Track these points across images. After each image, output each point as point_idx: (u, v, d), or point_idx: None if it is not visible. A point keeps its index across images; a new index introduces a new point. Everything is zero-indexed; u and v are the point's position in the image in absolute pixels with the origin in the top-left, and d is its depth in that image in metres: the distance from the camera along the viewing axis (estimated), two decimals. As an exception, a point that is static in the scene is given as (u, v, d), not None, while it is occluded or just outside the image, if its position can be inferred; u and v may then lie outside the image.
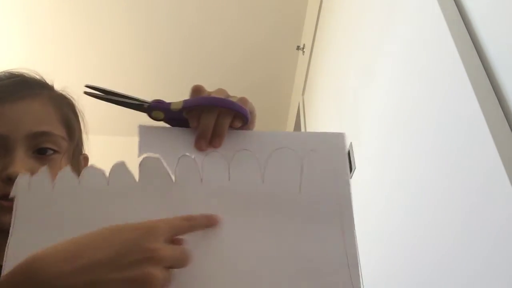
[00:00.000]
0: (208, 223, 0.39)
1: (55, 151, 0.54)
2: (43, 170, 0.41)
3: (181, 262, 0.35)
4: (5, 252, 0.37)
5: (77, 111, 0.64)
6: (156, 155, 0.42)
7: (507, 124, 0.65)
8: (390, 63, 1.09)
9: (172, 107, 0.44)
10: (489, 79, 0.71)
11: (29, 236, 0.38)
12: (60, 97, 0.60)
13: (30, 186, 0.40)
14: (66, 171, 0.42)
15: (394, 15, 1.09)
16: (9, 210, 0.44)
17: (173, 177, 0.41)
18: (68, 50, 2.79)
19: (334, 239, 0.40)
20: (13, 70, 0.58)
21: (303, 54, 2.64)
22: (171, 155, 0.42)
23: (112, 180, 0.41)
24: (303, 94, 2.68)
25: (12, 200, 0.43)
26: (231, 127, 0.44)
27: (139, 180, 0.42)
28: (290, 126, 3.20)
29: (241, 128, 0.45)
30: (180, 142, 0.44)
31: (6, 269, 0.33)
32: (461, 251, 0.71)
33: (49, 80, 0.62)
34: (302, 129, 2.61)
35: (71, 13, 2.56)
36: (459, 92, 0.74)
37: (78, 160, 0.61)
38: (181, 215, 0.38)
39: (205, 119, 0.43)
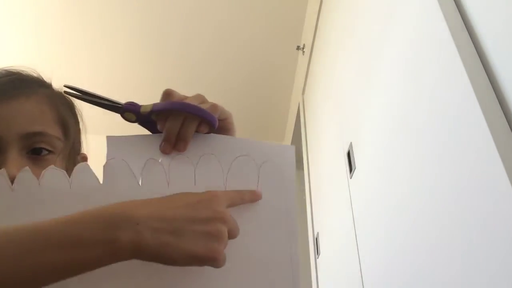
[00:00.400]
0: (254, 198, 0.45)
1: (49, 152, 0.53)
2: (1, 172, 0.41)
3: (235, 232, 0.40)
4: None
5: (76, 110, 0.63)
6: (121, 159, 0.43)
7: (507, 124, 0.65)
8: (390, 63, 1.09)
9: (142, 110, 0.46)
10: (489, 79, 0.71)
11: None
12: (57, 95, 0.59)
13: None
14: (26, 172, 0.41)
15: (394, 15, 1.09)
16: None
17: (139, 181, 0.42)
18: (77, 49, 2.79)
19: (281, 241, 0.45)
20: (11, 68, 0.57)
21: (303, 54, 2.64)
22: (139, 160, 0.43)
23: (75, 182, 0.41)
24: (303, 94, 2.68)
25: None
26: (198, 132, 0.46)
27: (103, 182, 0.42)
28: (290, 126, 3.21)
29: (209, 133, 0.47)
30: (148, 147, 0.46)
31: None
32: (461, 251, 0.71)
33: (47, 78, 0.60)
34: (302, 129, 2.61)
35: (81, 13, 2.57)
36: (459, 92, 0.74)
37: (74, 160, 0.60)
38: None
39: (170, 123, 0.45)
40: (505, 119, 0.66)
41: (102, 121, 3.55)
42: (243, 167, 0.46)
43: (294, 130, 3.01)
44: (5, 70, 0.56)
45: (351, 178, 1.42)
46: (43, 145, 0.53)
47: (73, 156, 0.60)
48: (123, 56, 2.86)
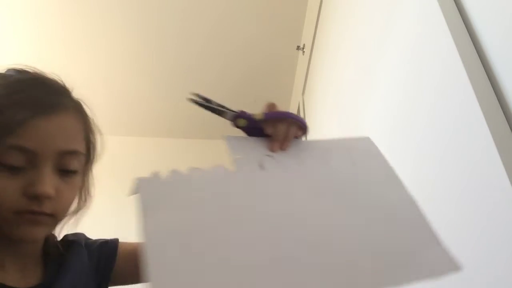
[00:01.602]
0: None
1: (77, 171, 0.55)
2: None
3: None
4: (144, 234, 0.42)
5: (93, 123, 0.62)
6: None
7: (507, 124, 0.65)
8: (390, 63, 1.09)
9: (256, 117, 0.58)
10: (489, 79, 0.71)
11: (163, 219, 0.44)
12: (82, 108, 0.59)
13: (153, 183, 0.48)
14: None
15: (394, 15, 1.09)
16: (32, 223, 0.50)
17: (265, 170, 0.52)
18: (77, 48, 2.79)
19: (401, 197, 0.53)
20: (31, 70, 0.56)
21: (303, 54, 2.64)
22: (254, 155, 0.54)
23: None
24: (303, 94, 2.68)
25: (36, 214, 0.48)
26: (295, 136, 0.57)
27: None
28: (290, 126, 3.21)
29: (299, 137, 0.58)
30: (256, 146, 0.56)
31: (148, 247, 0.40)
32: (462, 251, 0.71)
33: (67, 84, 0.60)
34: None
35: (81, 12, 2.57)
36: (459, 93, 0.74)
37: (89, 173, 0.61)
38: None
39: (280, 127, 0.56)
40: (505, 119, 0.66)
41: (102, 122, 3.51)
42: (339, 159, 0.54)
43: (294, 130, 3.01)
44: (30, 74, 0.55)
45: (351, 178, 1.42)
46: (75, 165, 0.54)
47: (91, 170, 0.62)
48: (122, 52, 2.86)
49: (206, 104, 0.58)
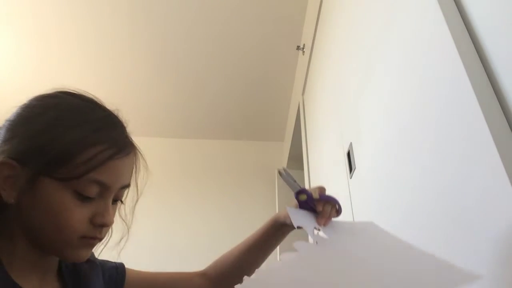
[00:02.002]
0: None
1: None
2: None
3: None
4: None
5: None
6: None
7: (507, 124, 0.65)
8: (390, 63, 1.09)
9: (314, 195, 0.72)
10: (489, 79, 0.71)
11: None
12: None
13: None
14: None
15: (394, 15, 1.09)
16: (89, 247, 0.57)
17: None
18: (72, 51, 2.79)
19: None
20: (88, 95, 0.63)
21: (303, 54, 2.64)
22: (307, 224, 0.69)
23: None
24: (303, 94, 2.68)
25: (96, 239, 0.56)
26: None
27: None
28: (290, 126, 3.21)
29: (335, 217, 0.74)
30: (308, 218, 0.71)
31: None
32: (462, 251, 0.71)
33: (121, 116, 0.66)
34: (302, 129, 2.61)
35: (76, 14, 2.57)
36: (459, 93, 0.74)
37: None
38: None
39: (327, 207, 0.72)
40: (505, 119, 0.66)
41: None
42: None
43: (294, 130, 3.01)
44: (102, 110, 0.61)
45: (351, 178, 1.42)
46: (124, 195, 0.62)
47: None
48: (126, 59, 2.86)
49: (286, 177, 0.75)
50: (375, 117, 1.19)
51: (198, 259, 3.00)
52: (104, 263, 0.71)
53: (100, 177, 0.55)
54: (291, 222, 0.70)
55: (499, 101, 0.68)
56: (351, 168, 1.42)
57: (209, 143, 3.69)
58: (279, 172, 0.76)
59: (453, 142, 0.75)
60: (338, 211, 0.74)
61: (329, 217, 0.72)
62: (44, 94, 0.61)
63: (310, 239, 0.73)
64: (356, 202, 1.36)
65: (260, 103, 3.30)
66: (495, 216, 0.62)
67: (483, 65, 0.73)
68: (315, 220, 0.71)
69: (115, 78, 3.03)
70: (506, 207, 0.60)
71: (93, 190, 0.55)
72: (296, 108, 2.90)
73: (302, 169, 2.57)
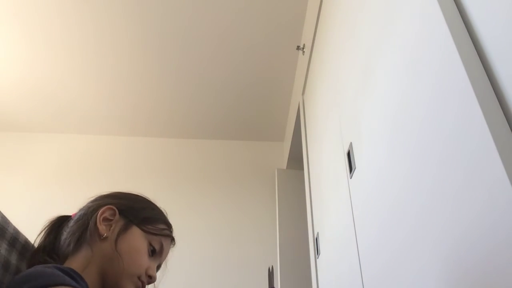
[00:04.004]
0: None
1: None
2: None
3: None
4: None
5: None
6: None
7: (507, 124, 0.65)
8: (390, 63, 1.09)
9: None
10: (489, 79, 0.71)
11: None
12: None
13: None
14: None
15: (394, 15, 1.09)
16: (135, 287, 0.78)
17: None
18: (72, 51, 2.79)
19: None
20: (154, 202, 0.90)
21: (303, 54, 2.64)
22: None
23: None
24: (303, 94, 2.68)
25: (143, 284, 0.78)
26: None
27: None
28: (290, 126, 3.21)
29: None
30: None
31: None
32: (462, 251, 0.71)
33: None
34: (302, 129, 2.61)
35: (76, 15, 2.57)
36: (459, 93, 0.74)
37: None
38: None
39: None
40: (505, 119, 0.66)
41: (103, 123, 3.52)
42: None
43: (294, 130, 3.01)
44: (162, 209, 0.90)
45: (351, 178, 1.42)
46: None
47: None
48: (126, 60, 2.86)
49: (271, 275, 0.93)
50: (375, 117, 1.19)
51: (198, 259, 3.01)
52: None
53: (163, 242, 0.83)
54: None
55: (499, 101, 0.68)
56: (351, 168, 1.42)
57: (209, 143, 3.69)
58: (269, 268, 0.94)
59: (452, 142, 0.75)
60: None
61: None
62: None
63: None
64: (356, 202, 1.36)
65: (260, 103, 3.30)
66: (495, 216, 0.62)
67: (483, 65, 0.74)
68: None
69: (115, 78, 3.03)
70: (506, 207, 0.60)
71: (157, 248, 0.81)
72: (296, 108, 2.90)
73: (302, 169, 2.57)
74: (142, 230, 0.80)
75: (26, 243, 0.80)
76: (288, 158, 3.29)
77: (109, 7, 2.53)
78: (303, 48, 2.61)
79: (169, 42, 2.76)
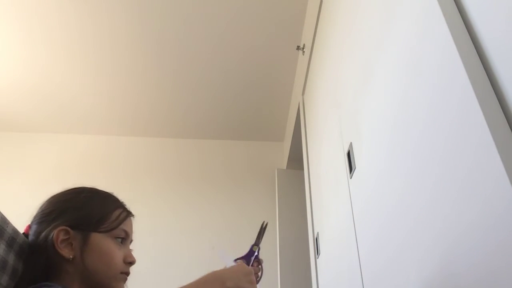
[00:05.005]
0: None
1: None
2: None
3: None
4: None
5: None
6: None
7: (507, 124, 0.65)
8: (390, 63, 1.09)
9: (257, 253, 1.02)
10: (489, 79, 0.71)
11: None
12: None
13: None
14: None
15: (394, 15, 1.09)
16: (125, 280, 0.82)
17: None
18: (72, 51, 2.79)
19: None
20: (90, 186, 0.89)
21: (303, 54, 2.64)
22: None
23: None
24: (303, 94, 2.68)
25: (127, 274, 0.82)
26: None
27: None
28: (290, 126, 3.21)
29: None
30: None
31: None
32: (462, 251, 0.71)
33: None
34: (302, 129, 2.61)
35: (75, 15, 2.56)
36: (459, 92, 0.74)
37: None
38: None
39: (257, 268, 1.01)
40: (505, 119, 0.66)
41: (102, 123, 3.52)
42: None
43: (294, 130, 3.01)
44: (107, 191, 0.89)
45: (351, 178, 1.42)
46: None
47: None
48: (125, 60, 2.86)
49: (263, 230, 1.08)
50: (375, 117, 1.19)
51: (198, 260, 3.01)
52: None
53: (125, 227, 0.84)
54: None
55: (499, 101, 0.68)
56: (351, 168, 1.42)
57: (209, 143, 3.69)
58: (264, 222, 1.06)
59: (452, 142, 0.75)
60: (258, 280, 0.97)
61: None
62: (67, 189, 0.87)
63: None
64: (356, 202, 1.36)
65: (260, 103, 3.30)
66: (495, 216, 0.62)
67: (483, 65, 0.73)
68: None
69: (115, 78, 3.03)
70: (506, 207, 0.60)
71: (123, 237, 0.83)
72: (296, 108, 2.90)
73: (302, 169, 2.57)
74: (101, 232, 0.80)
75: (24, 244, 0.80)
76: (288, 158, 3.29)
77: (108, 7, 2.53)
78: (303, 48, 2.61)
79: (169, 41, 2.76)
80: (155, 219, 3.18)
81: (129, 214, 0.87)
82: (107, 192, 0.88)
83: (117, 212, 0.84)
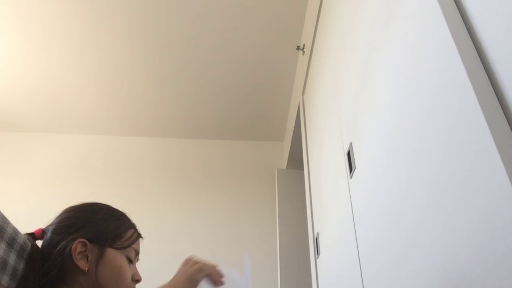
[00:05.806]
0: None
1: None
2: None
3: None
4: None
5: None
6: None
7: (507, 124, 0.65)
8: (390, 63, 1.09)
9: None
10: (489, 79, 0.71)
11: None
12: None
13: None
14: None
15: (394, 15, 1.09)
16: None
17: None
18: (72, 52, 2.79)
19: None
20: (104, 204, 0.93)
21: (303, 54, 2.64)
22: None
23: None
24: (303, 94, 2.68)
25: None
26: None
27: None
28: (290, 126, 3.21)
29: None
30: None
31: None
32: (462, 251, 0.71)
33: None
34: (302, 129, 2.61)
35: (77, 14, 2.57)
36: (459, 93, 0.74)
37: None
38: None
39: None
40: (505, 119, 0.66)
41: (104, 123, 3.53)
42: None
43: (294, 130, 3.01)
44: (120, 210, 0.94)
45: (351, 178, 1.42)
46: None
47: None
48: (126, 60, 2.86)
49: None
50: (375, 117, 1.19)
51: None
52: None
53: (136, 247, 0.89)
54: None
55: (499, 101, 0.68)
56: (351, 168, 1.42)
57: (209, 143, 3.69)
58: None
59: (453, 142, 0.75)
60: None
61: None
62: (85, 203, 0.92)
63: None
64: (356, 202, 1.36)
65: (260, 103, 3.30)
66: (495, 216, 0.62)
67: (483, 65, 0.73)
68: None
69: (117, 78, 3.03)
70: (506, 207, 0.60)
71: (133, 256, 0.88)
72: (296, 108, 2.90)
73: (302, 169, 2.57)
74: (116, 248, 0.85)
75: (24, 244, 0.80)
76: (288, 158, 3.29)
77: (110, 7, 2.53)
78: (303, 48, 2.61)
79: (171, 42, 2.76)
80: (155, 217, 3.18)
81: (139, 235, 0.92)
82: (122, 212, 0.94)
83: (130, 232, 0.90)
